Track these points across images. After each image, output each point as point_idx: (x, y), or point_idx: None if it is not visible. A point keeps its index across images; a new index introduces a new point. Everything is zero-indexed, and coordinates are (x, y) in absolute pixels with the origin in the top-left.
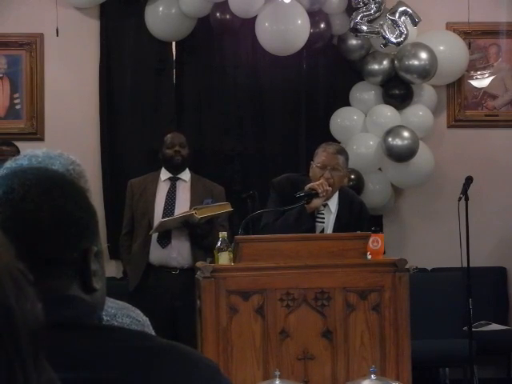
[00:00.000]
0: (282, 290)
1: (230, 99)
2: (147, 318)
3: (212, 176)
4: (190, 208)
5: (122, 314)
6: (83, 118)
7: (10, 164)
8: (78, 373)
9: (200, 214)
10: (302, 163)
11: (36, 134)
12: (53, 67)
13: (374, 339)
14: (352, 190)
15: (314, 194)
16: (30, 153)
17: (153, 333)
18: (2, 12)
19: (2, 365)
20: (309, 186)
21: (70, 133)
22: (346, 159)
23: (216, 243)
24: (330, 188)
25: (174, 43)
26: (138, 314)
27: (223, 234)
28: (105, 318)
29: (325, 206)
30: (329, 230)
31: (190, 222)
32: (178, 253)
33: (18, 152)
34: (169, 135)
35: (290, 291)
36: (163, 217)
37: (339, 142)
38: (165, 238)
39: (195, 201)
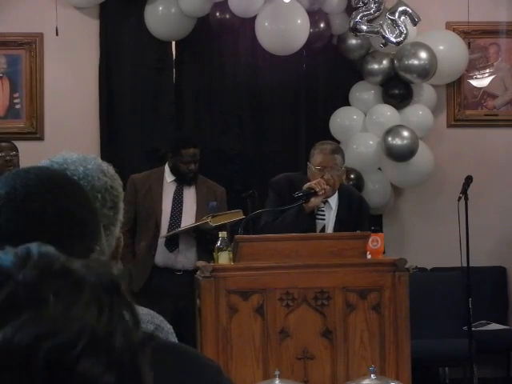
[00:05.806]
0: (281, 290)
1: (230, 98)
2: (171, 326)
3: (211, 175)
4: (197, 211)
5: (147, 320)
6: (83, 118)
7: (45, 162)
8: None
9: (215, 222)
10: (302, 162)
11: (36, 134)
12: (52, 67)
13: (373, 339)
14: (351, 186)
15: (312, 193)
16: (65, 154)
17: (176, 341)
18: (2, 11)
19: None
20: (307, 185)
21: (70, 132)
22: (342, 157)
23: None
24: (329, 187)
25: (173, 43)
26: (161, 320)
27: (223, 234)
28: None
29: (325, 202)
30: (330, 227)
31: (200, 228)
32: (185, 256)
33: (15, 148)
34: (187, 150)
35: (289, 291)
36: (171, 220)
37: (339, 142)
38: (173, 243)
39: (201, 203)
